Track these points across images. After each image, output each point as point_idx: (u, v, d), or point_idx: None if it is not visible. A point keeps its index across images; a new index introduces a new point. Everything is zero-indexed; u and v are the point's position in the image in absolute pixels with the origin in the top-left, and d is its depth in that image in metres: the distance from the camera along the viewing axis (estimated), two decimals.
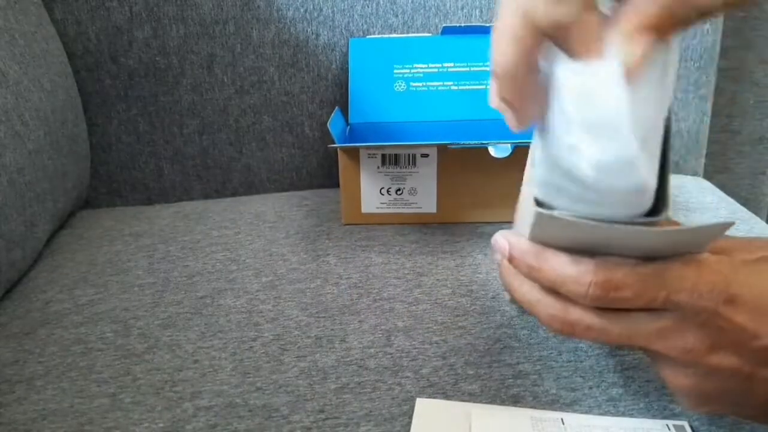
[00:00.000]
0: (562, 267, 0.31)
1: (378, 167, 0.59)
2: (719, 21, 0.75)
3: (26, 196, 0.54)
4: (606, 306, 0.31)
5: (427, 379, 0.42)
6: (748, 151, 0.95)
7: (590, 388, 0.41)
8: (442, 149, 0.59)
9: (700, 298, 0.29)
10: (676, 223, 0.35)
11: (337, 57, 0.71)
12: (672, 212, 0.33)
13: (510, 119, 0.31)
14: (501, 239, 0.34)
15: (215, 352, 0.45)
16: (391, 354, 0.44)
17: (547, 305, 0.33)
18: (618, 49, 0.27)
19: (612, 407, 0.40)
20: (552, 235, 0.32)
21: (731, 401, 0.33)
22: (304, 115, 0.73)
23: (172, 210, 0.68)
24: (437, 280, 0.52)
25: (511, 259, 0.34)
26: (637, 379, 0.42)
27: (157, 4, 0.68)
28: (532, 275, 0.33)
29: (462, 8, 0.71)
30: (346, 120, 0.67)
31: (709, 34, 0.74)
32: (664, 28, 0.27)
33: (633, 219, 0.30)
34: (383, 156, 0.59)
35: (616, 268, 0.30)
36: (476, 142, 0.57)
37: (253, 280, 0.53)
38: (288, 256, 0.56)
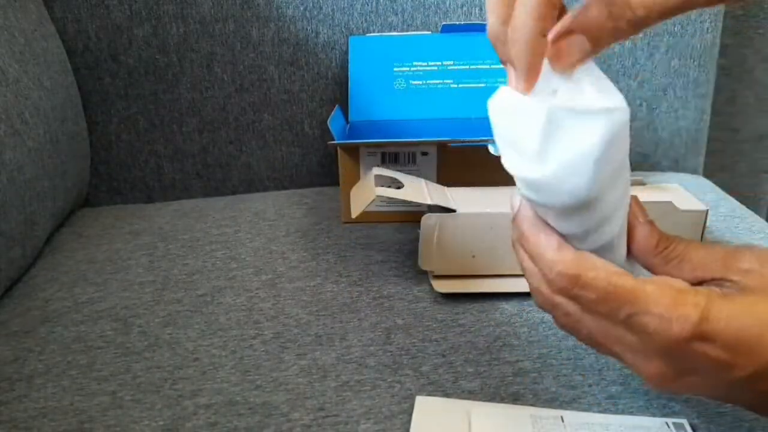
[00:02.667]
0: (544, 246, 0.31)
1: (378, 165, 0.59)
2: (719, 19, 0.75)
3: (26, 194, 0.54)
4: (569, 299, 0.31)
5: (427, 377, 0.42)
6: (748, 150, 0.95)
7: (590, 385, 0.41)
8: (442, 147, 0.59)
9: (669, 327, 0.28)
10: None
11: (337, 55, 0.71)
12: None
13: (516, 79, 0.30)
14: (515, 198, 0.34)
15: (215, 350, 0.45)
16: (390, 352, 0.44)
17: (538, 278, 0.33)
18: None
19: (612, 405, 0.40)
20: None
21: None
22: (303, 114, 0.73)
23: (172, 208, 0.68)
24: None
25: (513, 220, 0.34)
26: (636, 377, 0.42)
27: (157, 3, 0.68)
28: (520, 241, 0.34)
29: (462, 6, 0.71)
30: (346, 118, 0.67)
31: (708, 32, 0.74)
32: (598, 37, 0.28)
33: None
34: (383, 154, 0.59)
35: (592, 268, 0.30)
36: (476, 139, 0.57)
37: (253, 278, 0.53)
38: (288, 254, 0.56)
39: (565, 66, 0.29)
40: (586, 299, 0.30)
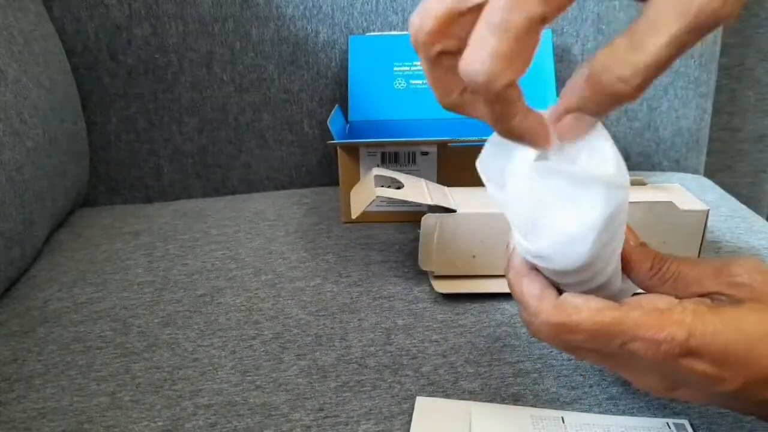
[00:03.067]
0: (528, 295, 0.32)
1: (378, 165, 0.59)
2: None
3: (25, 194, 0.54)
4: (557, 345, 0.32)
5: (427, 378, 0.42)
6: (748, 149, 0.95)
7: (590, 386, 0.41)
8: (442, 146, 0.59)
9: (657, 349, 0.28)
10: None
11: (337, 54, 0.71)
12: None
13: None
14: (511, 241, 0.34)
15: (215, 350, 0.45)
16: (391, 352, 0.44)
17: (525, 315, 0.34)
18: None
19: (612, 406, 0.39)
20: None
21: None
22: (303, 113, 0.73)
23: (172, 208, 0.67)
24: None
25: (507, 265, 0.35)
26: None
27: (156, 2, 0.68)
28: (509, 286, 0.34)
29: None
30: (346, 118, 0.67)
31: None
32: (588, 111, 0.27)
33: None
34: (383, 154, 0.59)
35: (575, 312, 0.30)
36: (476, 139, 0.57)
37: (252, 278, 0.53)
38: (287, 255, 0.56)
39: (572, 139, 0.28)
40: (575, 341, 0.30)
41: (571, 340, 0.30)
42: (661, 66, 0.24)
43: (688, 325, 0.28)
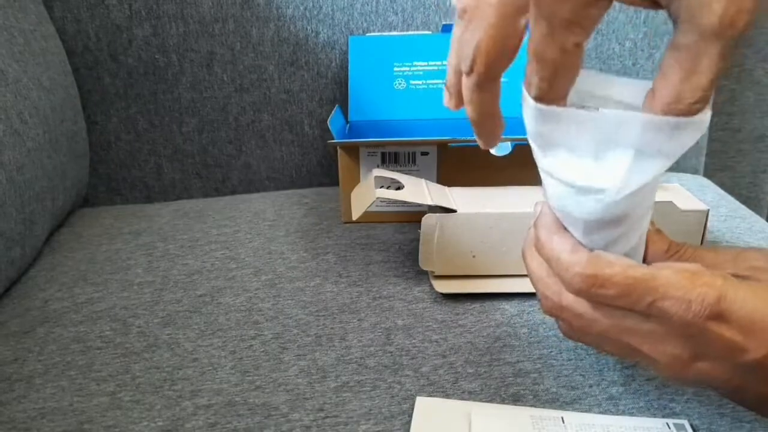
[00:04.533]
0: (560, 250, 0.32)
1: (378, 165, 0.59)
2: None
3: (25, 194, 0.54)
4: (588, 299, 0.32)
5: (427, 378, 0.42)
6: (748, 150, 0.95)
7: (590, 386, 0.41)
8: (442, 147, 0.59)
9: (688, 308, 0.29)
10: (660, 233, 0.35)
11: (337, 55, 0.71)
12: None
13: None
14: (537, 206, 0.35)
15: (215, 350, 0.45)
16: (390, 352, 0.44)
17: (546, 285, 0.34)
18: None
19: (612, 406, 0.40)
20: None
21: (723, 395, 0.33)
22: (303, 114, 0.73)
23: (172, 208, 0.67)
24: None
25: (531, 227, 0.35)
26: (637, 377, 0.42)
27: (157, 2, 0.68)
28: (537, 247, 0.34)
29: None
30: (346, 118, 0.67)
31: None
32: None
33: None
34: (383, 154, 0.59)
35: (607, 266, 0.30)
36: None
37: (252, 278, 0.53)
38: (287, 255, 0.56)
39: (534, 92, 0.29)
40: (606, 296, 0.30)
41: (601, 295, 0.30)
42: (717, 79, 0.26)
43: (719, 287, 0.29)
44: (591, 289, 0.31)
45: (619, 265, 0.30)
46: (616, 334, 0.32)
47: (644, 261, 0.34)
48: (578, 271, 0.31)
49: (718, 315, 0.29)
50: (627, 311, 0.31)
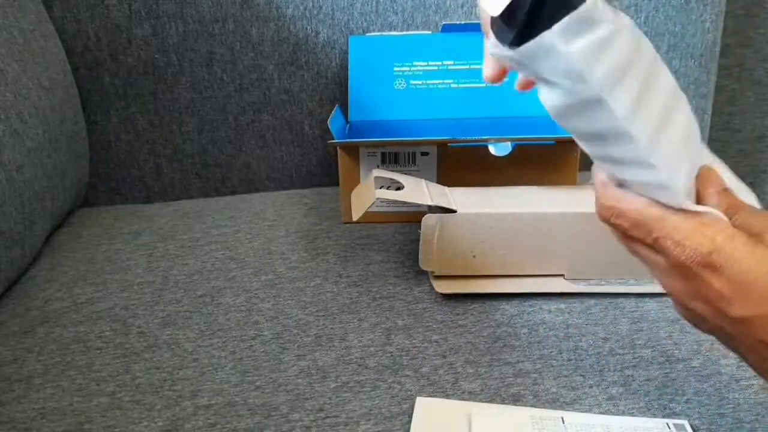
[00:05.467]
0: (597, 182, 0.36)
1: (378, 165, 0.59)
2: (719, 19, 0.75)
3: (25, 194, 0.54)
4: (609, 226, 0.36)
5: (427, 378, 0.42)
6: (748, 149, 0.95)
7: (590, 386, 0.41)
8: (442, 147, 0.59)
9: (682, 252, 0.32)
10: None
11: (337, 55, 0.71)
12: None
13: None
14: (598, 171, 0.37)
15: (215, 350, 0.45)
16: (390, 353, 0.44)
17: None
18: None
19: (612, 406, 0.40)
20: None
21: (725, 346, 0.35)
22: (303, 114, 0.73)
23: (172, 208, 0.67)
24: None
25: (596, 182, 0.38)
26: (637, 378, 0.42)
27: (157, 2, 0.68)
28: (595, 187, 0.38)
29: (462, 6, 0.71)
30: (346, 118, 0.67)
31: (709, 32, 0.74)
32: None
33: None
34: (383, 154, 0.59)
35: (626, 201, 0.34)
36: (476, 139, 0.57)
37: (252, 278, 0.53)
38: (287, 255, 0.56)
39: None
40: (621, 226, 0.35)
41: (617, 225, 0.35)
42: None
43: (716, 243, 0.31)
44: (610, 219, 0.35)
45: (636, 202, 0.34)
46: (635, 254, 0.36)
47: (697, 201, 0.36)
48: (602, 202, 0.35)
49: (709, 264, 0.31)
50: (640, 242, 0.34)
